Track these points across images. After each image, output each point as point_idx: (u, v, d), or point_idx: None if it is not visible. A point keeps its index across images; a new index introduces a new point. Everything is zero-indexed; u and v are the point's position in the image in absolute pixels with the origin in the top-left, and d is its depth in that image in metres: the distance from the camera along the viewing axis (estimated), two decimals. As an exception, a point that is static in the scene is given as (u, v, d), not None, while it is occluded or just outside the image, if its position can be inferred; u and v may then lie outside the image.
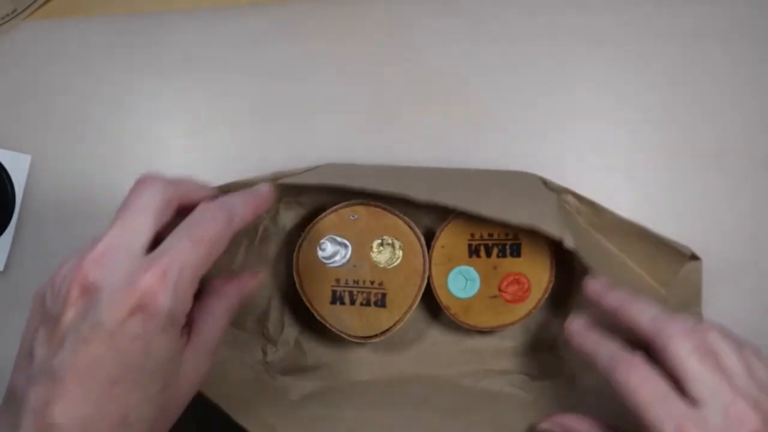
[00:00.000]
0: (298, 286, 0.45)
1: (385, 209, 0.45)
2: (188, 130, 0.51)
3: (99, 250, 0.33)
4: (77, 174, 0.51)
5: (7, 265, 0.50)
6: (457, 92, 0.50)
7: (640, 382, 0.36)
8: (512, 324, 0.46)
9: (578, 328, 0.40)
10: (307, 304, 0.46)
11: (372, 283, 0.45)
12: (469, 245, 0.45)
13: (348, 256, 0.45)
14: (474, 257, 0.45)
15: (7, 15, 0.52)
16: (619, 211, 0.45)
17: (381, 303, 0.45)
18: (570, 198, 0.45)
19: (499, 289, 0.45)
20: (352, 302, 0.45)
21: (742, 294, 0.50)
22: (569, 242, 0.39)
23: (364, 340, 0.46)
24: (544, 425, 0.43)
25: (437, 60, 0.51)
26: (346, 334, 0.45)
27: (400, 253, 0.45)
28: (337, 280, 0.45)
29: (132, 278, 0.32)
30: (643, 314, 0.38)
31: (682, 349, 0.36)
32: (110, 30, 0.52)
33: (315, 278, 0.46)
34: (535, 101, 0.50)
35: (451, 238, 0.45)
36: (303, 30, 0.52)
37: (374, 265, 0.45)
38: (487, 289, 0.45)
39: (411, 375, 0.48)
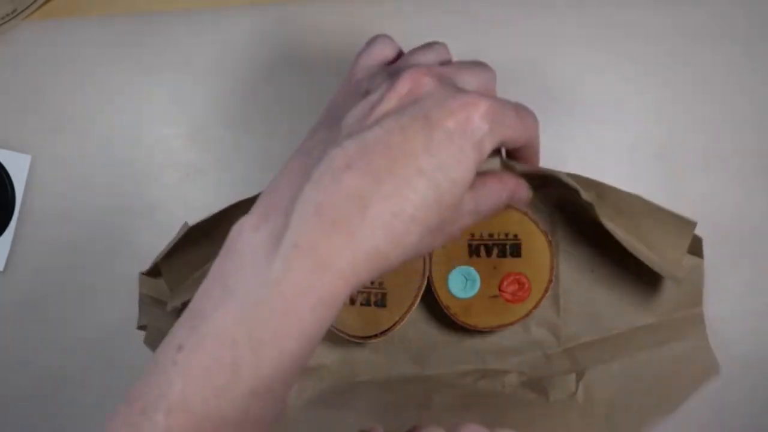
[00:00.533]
0: None
1: None
2: (188, 130, 0.51)
3: (434, 69, 0.34)
4: (77, 174, 0.51)
5: (7, 265, 0.50)
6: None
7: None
8: (512, 324, 0.46)
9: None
10: None
11: (372, 283, 0.45)
12: (470, 245, 0.45)
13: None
14: (474, 257, 0.46)
15: (7, 15, 0.52)
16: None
17: (381, 303, 0.45)
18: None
19: (500, 289, 0.45)
20: (352, 302, 0.45)
21: (742, 293, 0.50)
22: (586, 196, 0.39)
23: (364, 340, 0.46)
24: None
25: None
26: (346, 333, 0.45)
27: None
28: None
29: (463, 95, 0.33)
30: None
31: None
32: (110, 30, 0.52)
33: None
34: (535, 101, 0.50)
35: None
36: (303, 30, 0.52)
37: None
38: (487, 289, 0.45)
39: (411, 375, 0.48)
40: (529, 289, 0.45)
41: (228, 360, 0.30)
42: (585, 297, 0.47)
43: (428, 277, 0.45)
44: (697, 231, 0.49)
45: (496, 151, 0.38)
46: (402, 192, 0.32)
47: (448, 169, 0.32)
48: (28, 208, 0.51)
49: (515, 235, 0.45)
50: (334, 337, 0.46)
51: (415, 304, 0.45)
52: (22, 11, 0.52)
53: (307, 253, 0.30)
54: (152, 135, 0.51)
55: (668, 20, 0.51)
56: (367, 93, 0.34)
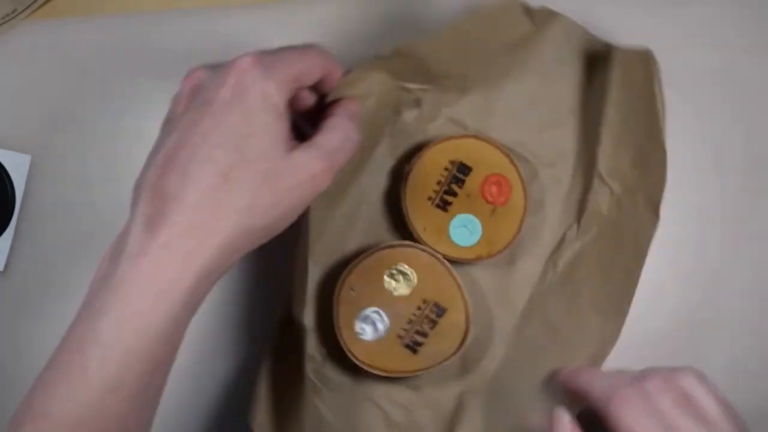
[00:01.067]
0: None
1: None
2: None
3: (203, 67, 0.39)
4: (77, 174, 0.51)
5: (7, 265, 0.50)
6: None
7: (636, 416, 0.38)
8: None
9: (569, 371, 0.44)
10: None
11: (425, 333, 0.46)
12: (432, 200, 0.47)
13: (383, 330, 0.46)
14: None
15: (7, 15, 0.52)
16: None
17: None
18: None
19: (482, 195, 0.46)
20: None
21: (742, 294, 0.50)
22: None
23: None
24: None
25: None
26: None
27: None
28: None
29: (228, 64, 0.37)
30: (594, 384, 0.41)
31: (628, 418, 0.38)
32: (110, 30, 0.52)
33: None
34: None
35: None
36: (302, 30, 0.52)
37: None
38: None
39: None
40: (509, 187, 0.46)
41: (78, 365, 0.33)
42: None
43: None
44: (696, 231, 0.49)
45: None
46: (205, 170, 0.35)
47: (240, 134, 0.35)
48: (28, 208, 0.51)
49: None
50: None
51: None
52: (22, 11, 0.52)
53: (138, 258, 0.34)
54: (152, 135, 0.51)
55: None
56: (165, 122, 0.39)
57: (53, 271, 0.50)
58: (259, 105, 0.36)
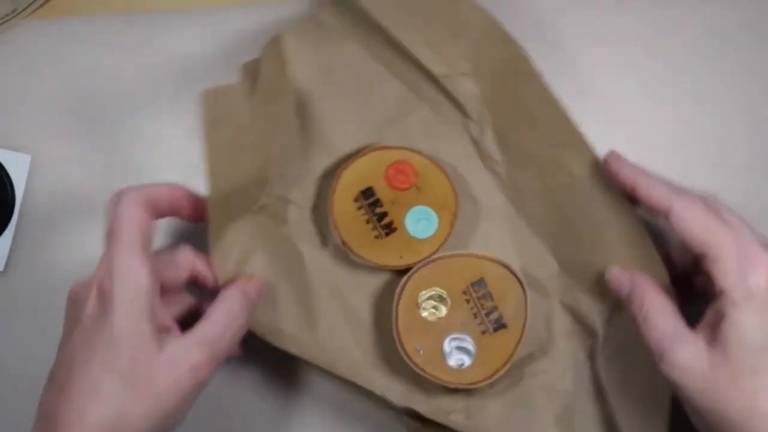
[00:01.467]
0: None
1: None
2: (187, 130, 0.51)
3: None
4: (77, 174, 0.51)
5: (7, 265, 0.50)
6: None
7: (700, 213, 0.38)
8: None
9: (618, 158, 0.42)
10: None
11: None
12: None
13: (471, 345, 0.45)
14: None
15: (7, 15, 0.52)
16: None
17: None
18: None
19: (386, 180, 0.46)
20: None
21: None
22: None
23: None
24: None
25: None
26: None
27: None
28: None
29: (91, 281, 0.39)
30: (655, 188, 0.40)
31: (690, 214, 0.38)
32: (110, 29, 0.52)
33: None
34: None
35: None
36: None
37: None
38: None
39: None
40: (414, 174, 0.46)
41: None
42: None
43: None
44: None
45: None
46: (77, 387, 0.37)
47: (107, 344, 0.37)
48: (28, 208, 0.51)
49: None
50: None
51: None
52: (22, 11, 0.52)
53: None
54: (152, 135, 0.51)
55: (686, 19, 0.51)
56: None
57: (53, 271, 0.50)
58: (123, 310, 0.37)
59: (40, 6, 0.52)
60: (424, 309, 0.45)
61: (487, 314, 0.45)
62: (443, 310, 0.45)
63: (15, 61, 0.52)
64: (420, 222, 0.46)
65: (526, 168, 0.47)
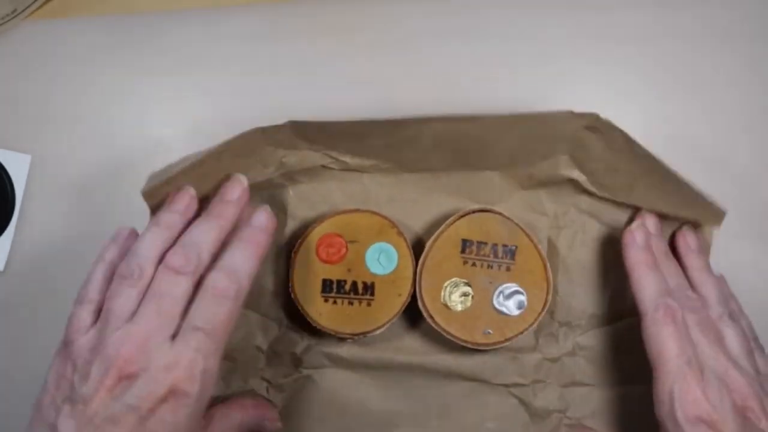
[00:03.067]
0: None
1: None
2: (188, 130, 0.51)
3: (135, 339, 0.36)
4: (77, 174, 0.51)
5: (7, 265, 0.50)
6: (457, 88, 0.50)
7: (664, 334, 0.40)
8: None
9: (640, 238, 0.43)
10: None
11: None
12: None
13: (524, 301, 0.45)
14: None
15: (7, 15, 0.52)
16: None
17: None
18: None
19: (316, 253, 0.46)
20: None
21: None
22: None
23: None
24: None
25: (437, 58, 0.51)
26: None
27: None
28: None
29: (166, 369, 0.35)
30: (644, 289, 0.41)
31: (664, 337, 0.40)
32: (110, 30, 0.52)
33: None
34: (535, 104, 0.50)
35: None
36: (303, 30, 0.52)
37: None
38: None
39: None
40: (344, 248, 0.45)
41: None
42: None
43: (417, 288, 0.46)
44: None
45: None
46: None
47: None
48: (28, 208, 0.51)
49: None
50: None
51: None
52: (22, 11, 0.52)
53: None
54: (152, 135, 0.51)
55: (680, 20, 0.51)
56: (73, 385, 0.37)
57: (53, 271, 0.50)
58: (192, 408, 0.36)
59: (40, 6, 0.52)
60: (456, 303, 0.45)
61: (495, 255, 0.45)
62: (468, 289, 0.45)
63: (15, 62, 0.52)
64: (381, 257, 0.46)
65: None
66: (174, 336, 0.37)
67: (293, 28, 0.52)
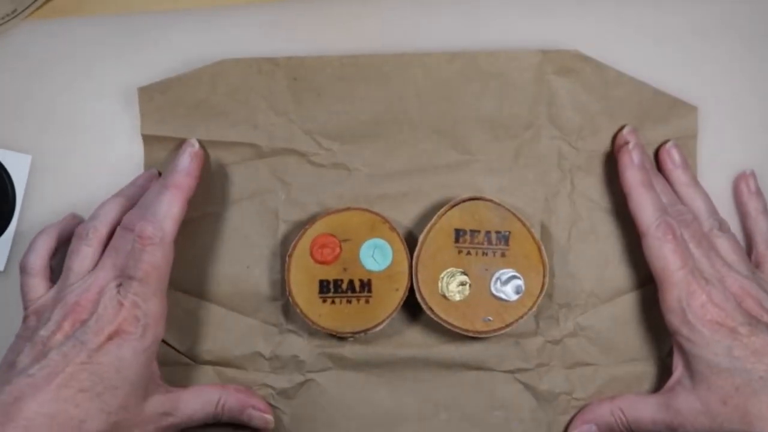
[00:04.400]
0: None
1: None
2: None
3: (93, 289, 0.43)
4: (77, 174, 0.51)
5: (7, 266, 0.50)
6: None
7: (666, 248, 0.43)
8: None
9: (637, 158, 0.45)
10: None
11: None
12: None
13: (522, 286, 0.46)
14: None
15: (7, 15, 0.52)
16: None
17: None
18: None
19: (311, 254, 0.46)
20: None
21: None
22: None
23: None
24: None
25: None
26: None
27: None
28: None
29: (113, 313, 0.41)
30: (643, 209, 0.44)
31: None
32: (110, 30, 0.52)
33: None
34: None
35: None
36: (303, 30, 0.52)
37: None
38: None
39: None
40: (338, 247, 0.46)
41: None
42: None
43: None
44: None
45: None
46: (65, 413, 0.39)
47: (106, 384, 0.40)
48: (29, 208, 0.51)
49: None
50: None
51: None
52: (23, 11, 0.52)
53: None
54: (153, 135, 0.51)
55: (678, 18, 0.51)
56: (36, 330, 0.42)
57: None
58: (136, 345, 0.41)
59: (41, 6, 0.52)
60: (454, 293, 0.45)
61: (489, 242, 0.45)
62: (465, 278, 0.45)
63: (15, 62, 0.52)
64: (375, 254, 0.46)
65: None
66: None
67: (293, 28, 0.52)
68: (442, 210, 0.46)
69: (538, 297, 0.45)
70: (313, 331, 0.46)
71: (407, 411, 0.47)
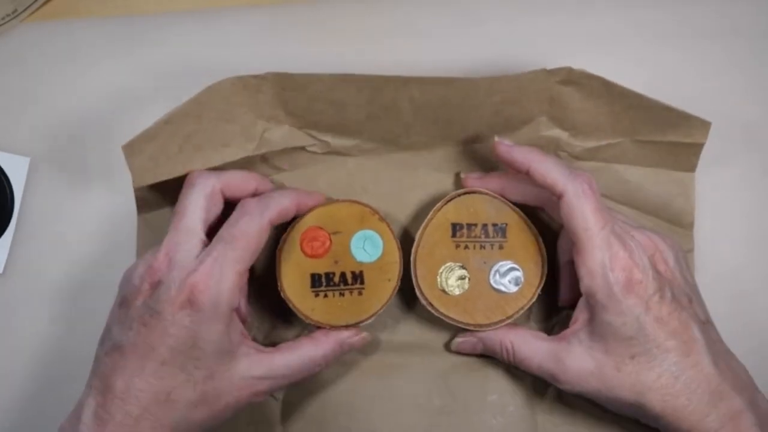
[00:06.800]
0: None
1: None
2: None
3: (163, 252, 0.40)
4: (76, 176, 0.51)
5: (6, 267, 0.50)
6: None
7: (592, 204, 0.41)
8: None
9: (507, 143, 0.44)
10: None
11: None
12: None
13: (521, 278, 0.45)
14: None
15: (7, 15, 0.51)
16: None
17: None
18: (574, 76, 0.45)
19: (301, 247, 0.45)
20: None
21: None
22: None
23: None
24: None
25: (438, 58, 0.50)
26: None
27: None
28: None
29: (183, 278, 0.39)
30: (551, 170, 0.42)
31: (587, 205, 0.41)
32: (110, 31, 0.52)
33: None
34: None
35: None
36: (302, 30, 0.51)
37: None
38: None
39: None
40: (329, 240, 0.45)
41: None
42: None
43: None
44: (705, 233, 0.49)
45: None
46: (150, 385, 0.39)
47: (187, 352, 0.39)
48: (28, 210, 0.51)
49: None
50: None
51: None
52: (22, 11, 0.52)
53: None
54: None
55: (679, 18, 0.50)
56: (122, 303, 0.41)
57: (52, 273, 0.50)
58: (213, 322, 0.39)
59: (40, 7, 0.52)
60: (453, 287, 0.45)
61: (486, 235, 0.45)
62: (463, 272, 0.45)
63: (14, 63, 0.52)
64: (366, 245, 0.45)
65: None
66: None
67: (293, 29, 0.51)
68: (438, 205, 0.46)
69: (538, 287, 0.45)
70: (304, 325, 0.46)
71: (402, 398, 0.47)
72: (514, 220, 0.45)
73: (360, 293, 0.45)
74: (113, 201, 0.51)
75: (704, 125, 0.45)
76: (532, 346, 0.43)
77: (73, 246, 0.51)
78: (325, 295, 0.45)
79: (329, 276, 0.45)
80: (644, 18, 0.51)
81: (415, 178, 0.48)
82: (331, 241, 0.45)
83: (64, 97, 0.51)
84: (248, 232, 0.40)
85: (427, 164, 0.48)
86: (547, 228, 0.48)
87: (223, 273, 0.39)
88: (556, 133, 0.47)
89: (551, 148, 0.48)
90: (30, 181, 0.51)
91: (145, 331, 0.39)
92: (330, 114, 0.46)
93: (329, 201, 0.46)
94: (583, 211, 0.40)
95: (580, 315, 0.42)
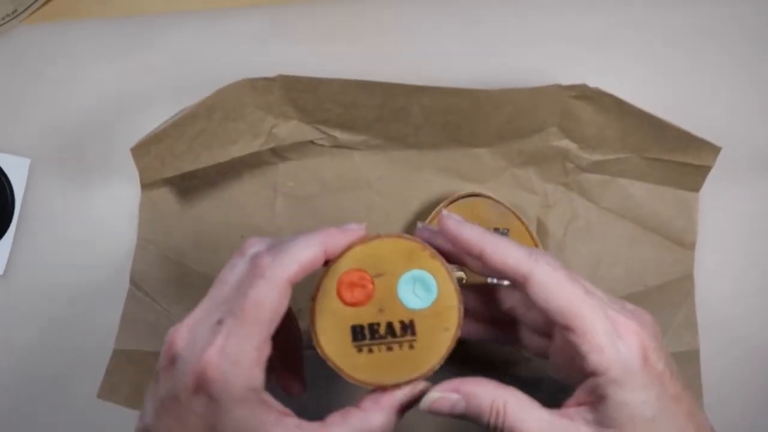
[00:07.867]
0: None
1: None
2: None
3: (186, 322, 0.34)
4: (76, 177, 0.51)
5: (6, 269, 0.50)
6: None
7: (563, 281, 0.34)
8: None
9: (459, 220, 0.37)
10: None
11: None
12: None
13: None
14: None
15: (7, 16, 0.51)
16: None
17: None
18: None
19: (338, 294, 0.37)
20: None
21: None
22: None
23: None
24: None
25: (437, 58, 0.50)
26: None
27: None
28: None
29: (197, 356, 0.33)
30: (510, 252, 0.35)
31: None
32: (109, 32, 0.52)
33: None
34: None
35: None
36: (303, 30, 0.51)
37: None
38: None
39: None
40: (371, 284, 0.37)
41: None
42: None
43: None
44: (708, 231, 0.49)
45: None
46: None
47: None
48: (28, 211, 0.51)
49: None
50: None
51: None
52: (22, 12, 0.52)
53: None
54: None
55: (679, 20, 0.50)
56: (156, 375, 0.35)
57: (53, 274, 0.50)
58: (226, 402, 0.33)
59: (40, 7, 0.52)
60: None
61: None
62: (461, 275, 0.44)
63: (14, 63, 0.52)
64: (417, 288, 0.37)
65: None
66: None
67: (293, 29, 0.51)
68: (440, 206, 0.46)
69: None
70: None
71: None
72: (515, 226, 0.45)
73: (411, 346, 0.37)
74: (113, 201, 0.50)
75: (714, 150, 0.45)
76: (532, 415, 0.34)
77: (73, 246, 0.51)
78: (370, 350, 0.37)
79: (373, 327, 0.37)
80: (653, 22, 0.51)
81: (419, 177, 0.48)
82: (373, 285, 0.37)
83: (64, 97, 0.51)
84: (260, 301, 0.33)
85: (433, 164, 0.48)
86: (547, 233, 0.48)
87: (237, 350, 0.33)
88: (566, 143, 0.47)
89: (559, 159, 0.48)
90: (30, 182, 0.51)
91: (167, 416, 0.34)
92: (339, 113, 0.46)
93: (369, 237, 0.37)
94: (562, 286, 0.34)
95: (584, 394, 0.35)
